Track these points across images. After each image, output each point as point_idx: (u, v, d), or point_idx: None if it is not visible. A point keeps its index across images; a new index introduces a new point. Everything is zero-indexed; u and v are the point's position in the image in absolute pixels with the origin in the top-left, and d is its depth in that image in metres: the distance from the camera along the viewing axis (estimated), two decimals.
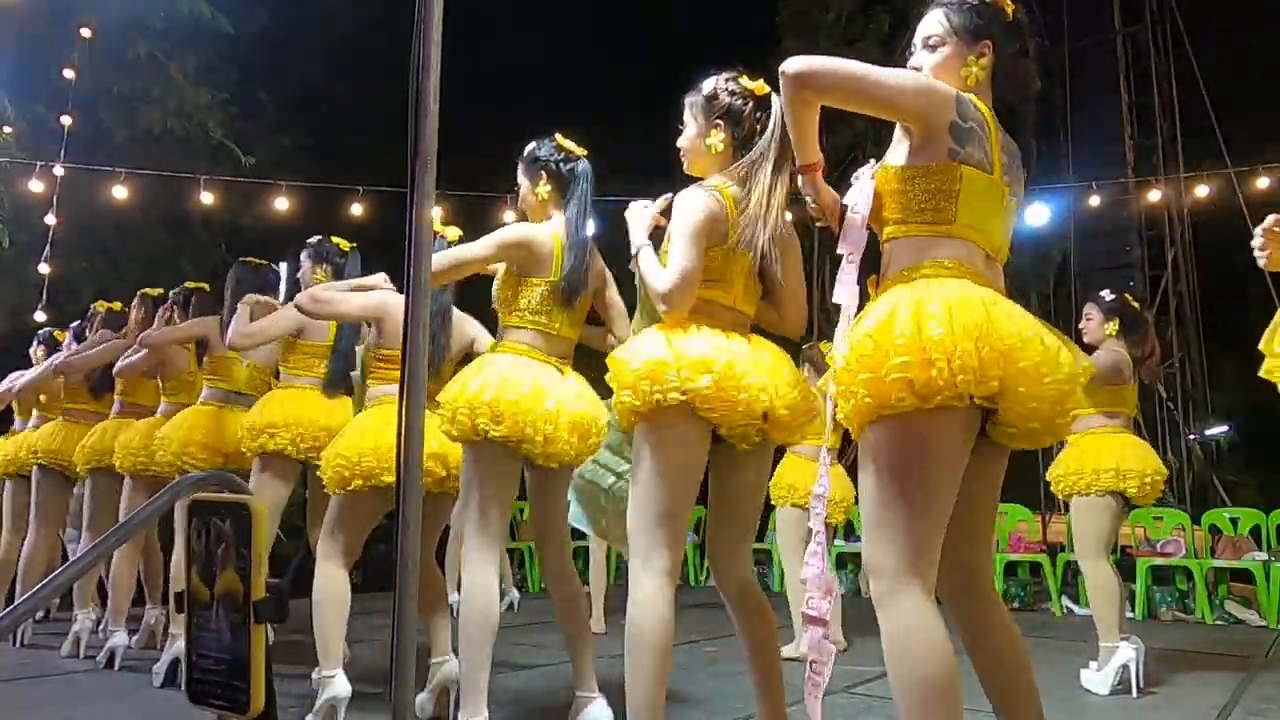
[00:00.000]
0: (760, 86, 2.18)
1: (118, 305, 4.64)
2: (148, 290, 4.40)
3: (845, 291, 1.76)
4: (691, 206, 2.05)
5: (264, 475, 3.31)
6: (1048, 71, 13.86)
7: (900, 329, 1.59)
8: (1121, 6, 12.05)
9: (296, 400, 3.33)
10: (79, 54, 7.39)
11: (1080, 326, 3.87)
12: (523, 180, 2.70)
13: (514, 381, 2.44)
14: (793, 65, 1.69)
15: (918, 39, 1.85)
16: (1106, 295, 3.87)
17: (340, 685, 2.76)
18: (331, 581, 2.80)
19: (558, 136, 2.70)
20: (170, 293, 4.23)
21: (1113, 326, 3.74)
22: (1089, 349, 3.74)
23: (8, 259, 7.37)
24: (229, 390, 3.81)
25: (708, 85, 2.20)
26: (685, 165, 2.25)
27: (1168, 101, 11.71)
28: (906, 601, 1.59)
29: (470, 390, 2.44)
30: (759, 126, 2.14)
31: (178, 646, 3.39)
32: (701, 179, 2.20)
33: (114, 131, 8.34)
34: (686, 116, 2.23)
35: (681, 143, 2.25)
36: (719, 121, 2.16)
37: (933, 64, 1.81)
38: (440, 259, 2.49)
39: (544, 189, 2.66)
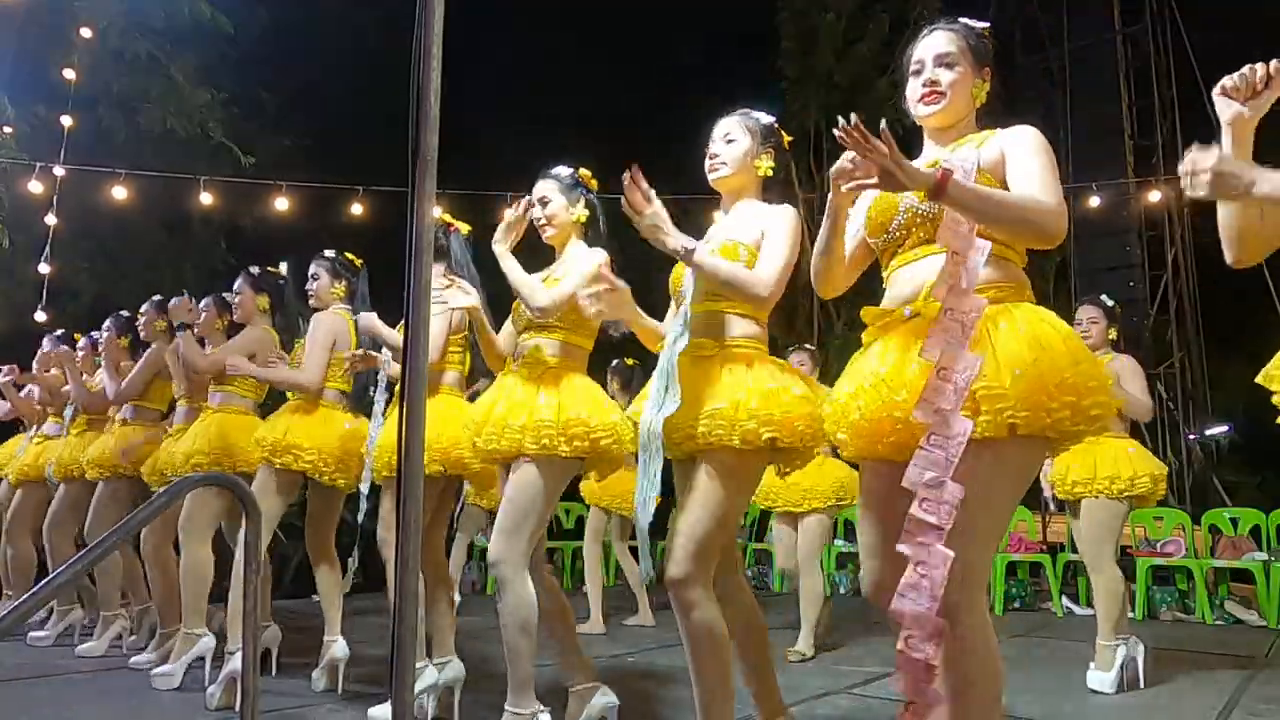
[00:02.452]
0: (786, 137, 2.46)
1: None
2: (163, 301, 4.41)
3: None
4: (798, 224, 2.27)
5: (272, 484, 3.35)
6: (1048, 71, 13.81)
7: (1076, 356, 1.68)
8: (1121, 6, 12.04)
9: (323, 422, 3.40)
10: (79, 54, 7.39)
11: (1084, 330, 3.81)
12: (558, 197, 2.72)
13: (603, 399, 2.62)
14: (1060, 223, 1.70)
15: (927, 55, 1.91)
16: (1107, 300, 3.88)
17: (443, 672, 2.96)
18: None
19: (583, 172, 2.77)
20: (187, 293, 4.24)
21: (1114, 331, 3.80)
22: None
23: (8, 259, 7.37)
24: (243, 395, 3.83)
25: (766, 118, 2.40)
26: (720, 171, 2.36)
27: (1168, 101, 11.71)
28: (982, 609, 1.67)
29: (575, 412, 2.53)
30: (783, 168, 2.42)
31: (233, 667, 3.19)
32: (725, 192, 2.40)
33: (114, 131, 8.34)
34: (736, 131, 2.36)
35: (727, 151, 2.35)
36: (771, 149, 2.38)
37: (950, 81, 1.89)
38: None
39: (582, 214, 2.76)
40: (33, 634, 4.50)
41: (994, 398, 1.64)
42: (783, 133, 2.44)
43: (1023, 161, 1.77)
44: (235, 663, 3.11)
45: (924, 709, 1.63)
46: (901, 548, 1.61)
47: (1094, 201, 8.20)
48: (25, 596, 1.51)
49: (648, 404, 2.22)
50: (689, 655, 2.15)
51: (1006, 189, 1.77)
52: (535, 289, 2.55)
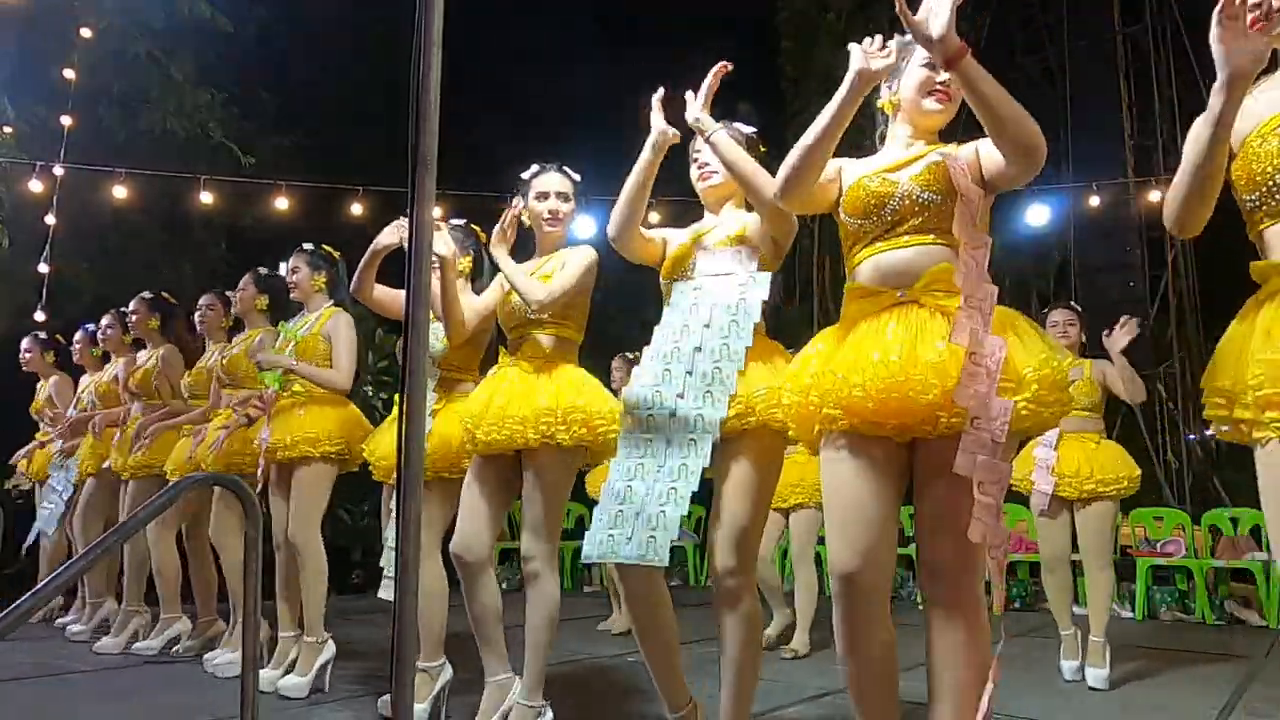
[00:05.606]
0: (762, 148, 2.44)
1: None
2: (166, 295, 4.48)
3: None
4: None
5: (328, 478, 3.43)
6: (1047, 71, 13.76)
7: (1062, 356, 1.81)
8: (1121, 6, 12.04)
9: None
10: (79, 54, 7.38)
11: (1061, 331, 3.88)
12: (574, 201, 2.82)
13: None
14: (1043, 142, 1.74)
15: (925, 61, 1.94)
16: (1076, 306, 4.02)
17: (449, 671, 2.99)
18: (427, 574, 2.90)
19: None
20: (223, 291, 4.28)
21: (1084, 335, 3.91)
22: None
23: (7, 259, 7.36)
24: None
25: (748, 129, 2.38)
26: (712, 180, 2.38)
27: (1168, 101, 11.70)
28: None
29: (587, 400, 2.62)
30: None
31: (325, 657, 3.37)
32: (714, 199, 2.43)
33: (114, 131, 8.33)
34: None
35: (716, 161, 2.34)
36: (755, 159, 2.37)
37: (955, 92, 1.93)
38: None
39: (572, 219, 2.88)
40: (72, 628, 4.62)
41: (1010, 390, 1.69)
42: (760, 145, 2.43)
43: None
44: (326, 652, 3.33)
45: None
46: (973, 536, 1.63)
47: (1094, 201, 8.20)
48: (27, 596, 1.51)
49: (666, 388, 2.22)
50: (733, 647, 2.16)
51: (984, 185, 1.84)
52: (533, 285, 2.59)
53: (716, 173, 2.35)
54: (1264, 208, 1.53)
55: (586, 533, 2.22)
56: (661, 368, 2.24)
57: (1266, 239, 1.54)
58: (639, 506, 2.13)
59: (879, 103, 2.05)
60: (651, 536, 2.09)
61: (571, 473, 2.65)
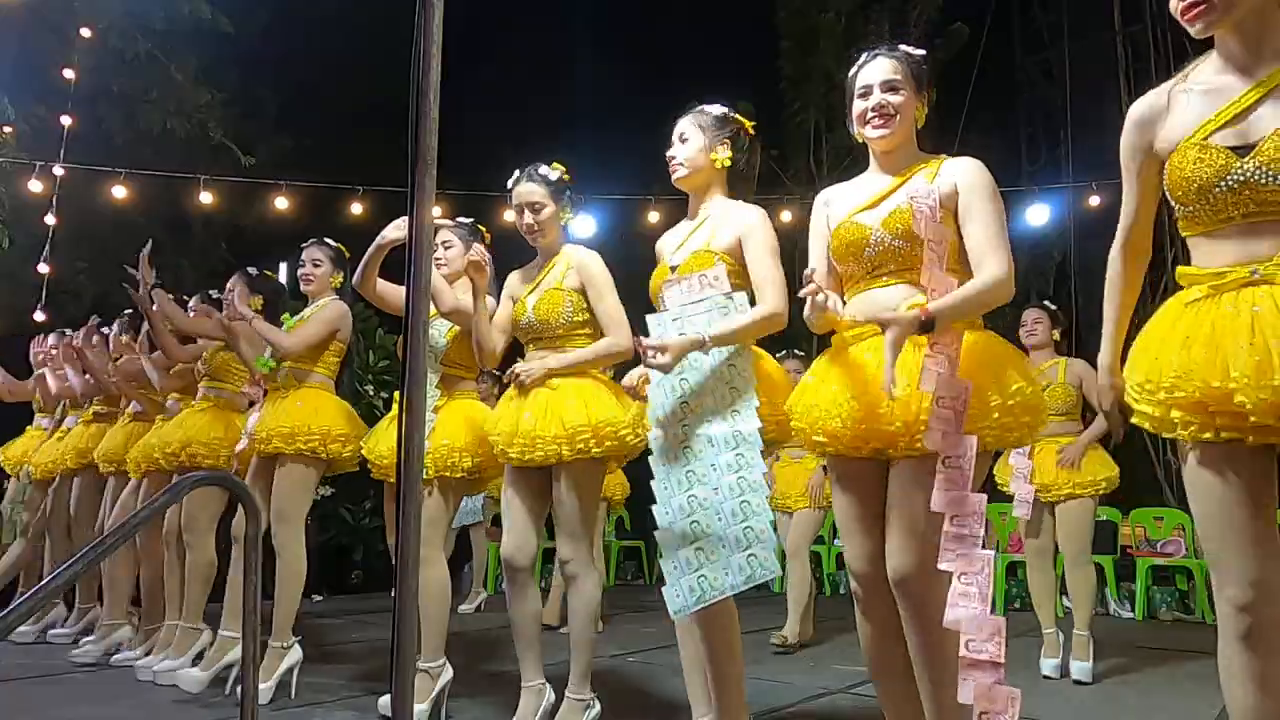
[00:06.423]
0: (749, 124, 2.46)
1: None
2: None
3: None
4: (770, 227, 2.35)
5: (313, 477, 3.36)
6: (1048, 71, 13.75)
7: (1030, 378, 1.94)
8: (1121, 6, 12.03)
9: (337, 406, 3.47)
10: (79, 54, 7.38)
11: (1028, 330, 3.93)
12: (549, 203, 2.77)
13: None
14: (1010, 288, 1.90)
15: (874, 80, 2.01)
16: (1050, 305, 4.05)
17: (449, 671, 2.96)
18: (430, 574, 2.91)
19: (560, 166, 2.83)
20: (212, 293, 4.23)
21: (1057, 333, 3.91)
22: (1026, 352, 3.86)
23: (8, 259, 7.36)
24: (235, 391, 3.87)
25: (716, 109, 2.42)
26: (679, 172, 2.40)
27: None
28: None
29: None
30: (748, 157, 2.45)
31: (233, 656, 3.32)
32: (690, 190, 2.43)
33: (114, 131, 8.33)
34: (689, 129, 2.39)
35: (682, 151, 2.39)
36: (727, 140, 2.38)
37: (898, 104, 2.00)
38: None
39: (570, 216, 2.87)
40: (53, 632, 4.55)
41: (973, 418, 1.81)
42: (740, 119, 2.44)
43: (977, 211, 1.93)
44: (291, 658, 3.23)
45: (996, 715, 1.70)
46: (944, 565, 1.76)
47: (1094, 201, 8.20)
48: (26, 596, 1.51)
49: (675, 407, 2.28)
50: (714, 648, 2.23)
51: (957, 222, 1.94)
52: (609, 345, 2.65)
53: (683, 165, 2.39)
54: (1187, 217, 1.63)
55: (665, 590, 2.21)
56: (677, 403, 2.26)
57: (1189, 245, 1.66)
58: (719, 534, 2.13)
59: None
60: (751, 555, 2.10)
61: (602, 476, 2.75)
